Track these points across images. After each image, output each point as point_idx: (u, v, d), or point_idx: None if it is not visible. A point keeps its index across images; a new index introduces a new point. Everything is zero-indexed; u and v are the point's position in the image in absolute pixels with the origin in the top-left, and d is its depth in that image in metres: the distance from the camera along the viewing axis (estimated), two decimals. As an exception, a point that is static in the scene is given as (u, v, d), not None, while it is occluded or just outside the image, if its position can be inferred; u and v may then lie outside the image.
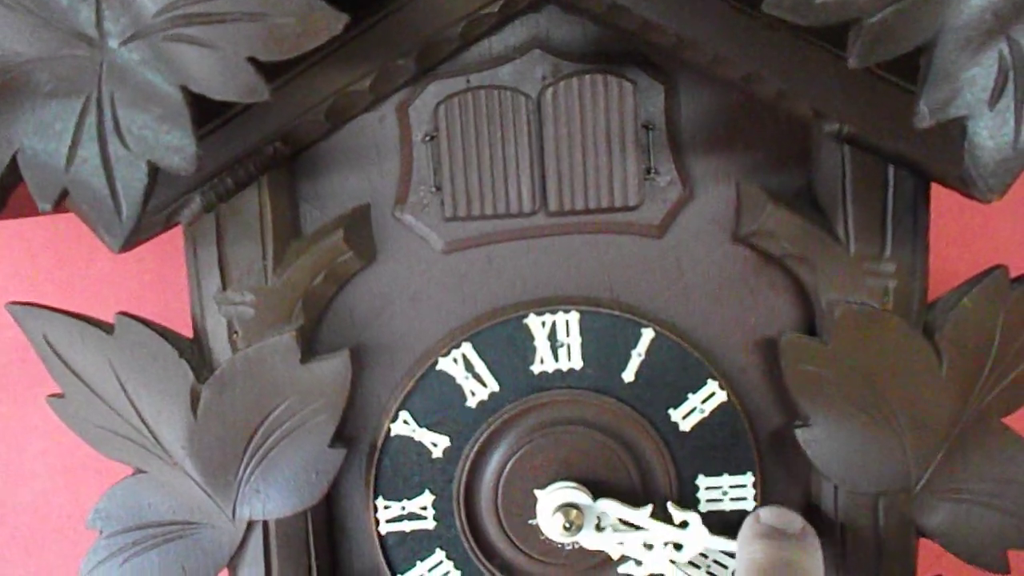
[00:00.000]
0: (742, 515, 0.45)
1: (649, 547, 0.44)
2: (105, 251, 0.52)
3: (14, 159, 0.29)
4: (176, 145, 0.30)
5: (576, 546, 0.45)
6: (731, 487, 0.45)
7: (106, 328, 0.41)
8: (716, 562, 0.46)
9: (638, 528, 0.44)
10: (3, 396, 0.67)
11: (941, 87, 0.30)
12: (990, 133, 0.30)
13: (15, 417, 0.67)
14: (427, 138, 0.43)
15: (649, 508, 0.44)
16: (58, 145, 0.30)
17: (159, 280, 0.60)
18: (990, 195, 0.30)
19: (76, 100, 0.30)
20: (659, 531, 0.44)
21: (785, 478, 0.46)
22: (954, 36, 0.30)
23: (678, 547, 0.44)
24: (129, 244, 0.31)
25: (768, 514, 0.44)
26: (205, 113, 0.33)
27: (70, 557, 0.68)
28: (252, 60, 0.30)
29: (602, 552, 0.45)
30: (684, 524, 0.44)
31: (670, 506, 0.44)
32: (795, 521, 0.43)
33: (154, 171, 0.30)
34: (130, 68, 0.30)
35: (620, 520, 0.44)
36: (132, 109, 0.30)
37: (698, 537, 0.44)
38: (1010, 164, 0.30)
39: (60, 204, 0.30)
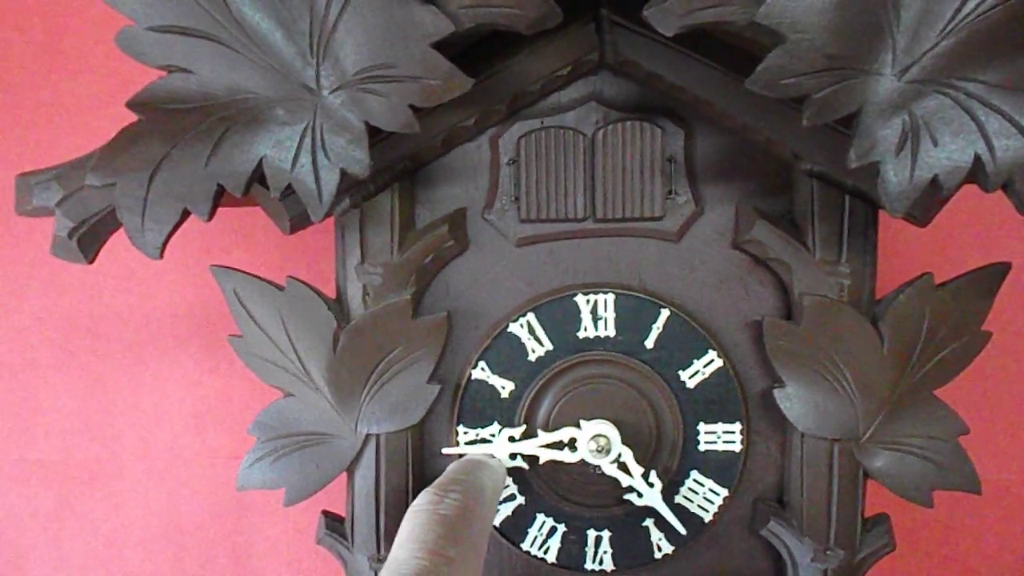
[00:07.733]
0: (730, 455, 0.55)
1: (651, 485, 0.54)
2: (274, 243, 0.69)
3: (260, 163, 0.43)
4: (358, 159, 0.43)
5: (598, 471, 0.53)
6: (724, 432, 0.55)
7: (278, 287, 0.52)
8: (705, 498, 0.56)
9: (628, 473, 0.53)
10: (150, 356, 0.80)
11: (864, 141, 0.41)
12: (895, 173, 0.42)
13: (158, 373, 0.80)
14: (510, 162, 0.53)
15: (641, 469, 0.53)
16: (287, 155, 0.43)
17: (307, 263, 0.76)
18: (895, 213, 0.42)
19: (299, 127, 0.43)
20: (636, 481, 0.53)
21: (765, 427, 0.56)
22: (873, 108, 0.41)
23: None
24: (320, 220, 0.45)
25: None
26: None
27: (196, 488, 0.80)
28: (411, 106, 0.42)
29: (616, 480, 0.53)
30: (651, 484, 0.53)
31: (652, 475, 0.54)
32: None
33: (343, 174, 0.43)
34: (334, 108, 0.43)
35: (623, 463, 0.53)
36: (333, 135, 0.43)
37: (654, 498, 0.53)
38: (907, 194, 0.42)
39: (286, 194, 0.43)
